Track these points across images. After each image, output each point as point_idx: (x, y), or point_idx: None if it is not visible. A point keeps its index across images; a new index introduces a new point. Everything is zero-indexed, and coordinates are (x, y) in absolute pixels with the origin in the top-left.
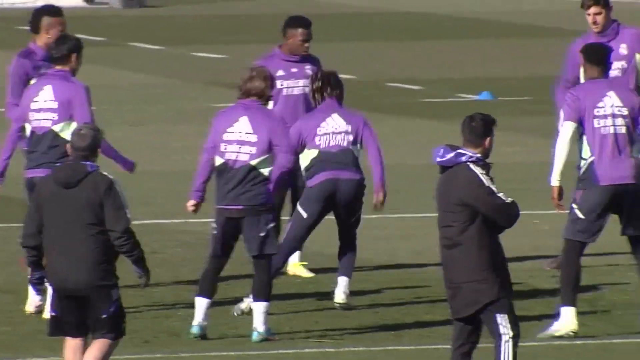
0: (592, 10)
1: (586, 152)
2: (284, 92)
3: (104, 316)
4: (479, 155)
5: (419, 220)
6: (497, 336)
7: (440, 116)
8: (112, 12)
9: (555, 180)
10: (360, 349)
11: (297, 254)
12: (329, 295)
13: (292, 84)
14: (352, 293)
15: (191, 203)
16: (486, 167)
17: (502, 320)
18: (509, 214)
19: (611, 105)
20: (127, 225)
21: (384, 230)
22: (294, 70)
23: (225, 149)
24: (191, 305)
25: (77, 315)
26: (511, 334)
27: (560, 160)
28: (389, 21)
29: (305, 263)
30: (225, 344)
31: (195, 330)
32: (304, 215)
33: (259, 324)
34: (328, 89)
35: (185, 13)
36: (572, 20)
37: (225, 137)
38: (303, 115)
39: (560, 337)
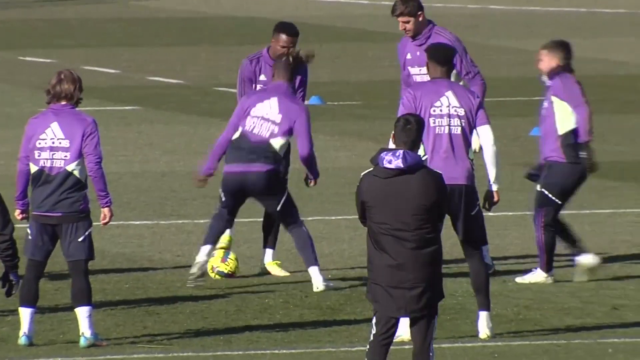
0: (400, 19)
1: (420, 151)
2: None
3: None
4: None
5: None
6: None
7: None
8: None
9: None
10: (189, 354)
11: (270, 253)
12: (159, 300)
13: None
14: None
15: (17, 213)
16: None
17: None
18: None
19: (447, 105)
20: (13, 230)
21: None
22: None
23: (39, 155)
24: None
25: None
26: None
27: None
28: (211, 26)
29: (279, 262)
30: (53, 350)
31: (23, 340)
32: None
33: (85, 328)
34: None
35: (13, 17)
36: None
37: (38, 144)
38: None
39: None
